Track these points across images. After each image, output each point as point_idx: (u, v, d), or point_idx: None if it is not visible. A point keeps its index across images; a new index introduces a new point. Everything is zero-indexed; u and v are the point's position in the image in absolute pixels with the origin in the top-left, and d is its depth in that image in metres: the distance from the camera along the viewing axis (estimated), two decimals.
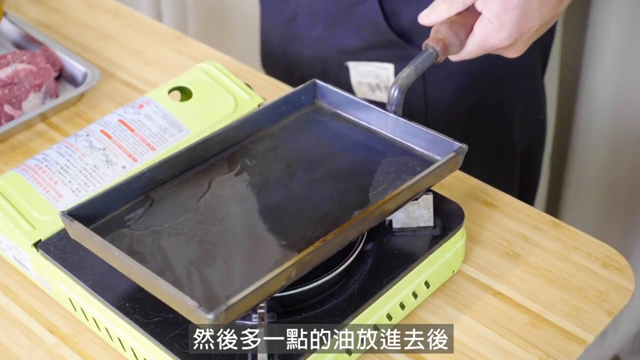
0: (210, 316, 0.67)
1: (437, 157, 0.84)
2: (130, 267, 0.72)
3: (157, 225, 0.80)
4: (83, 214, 0.78)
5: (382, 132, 0.89)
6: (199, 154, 0.86)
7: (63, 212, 0.77)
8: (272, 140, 0.89)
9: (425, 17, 0.86)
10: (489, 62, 1.09)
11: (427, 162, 0.84)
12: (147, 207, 0.82)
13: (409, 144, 0.87)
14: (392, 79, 1.14)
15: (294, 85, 1.06)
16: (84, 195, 0.85)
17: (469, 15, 0.85)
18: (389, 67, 1.14)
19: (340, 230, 0.74)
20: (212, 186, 0.84)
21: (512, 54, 0.87)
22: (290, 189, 0.84)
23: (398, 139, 0.88)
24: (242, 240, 0.79)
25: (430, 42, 0.85)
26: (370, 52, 1.14)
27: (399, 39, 1.11)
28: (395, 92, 0.85)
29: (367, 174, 0.85)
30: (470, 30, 0.85)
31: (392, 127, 0.88)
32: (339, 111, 0.92)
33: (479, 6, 0.84)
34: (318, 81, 0.93)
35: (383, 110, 0.88)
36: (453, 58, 0.87)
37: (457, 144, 0.82)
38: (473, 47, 0.85)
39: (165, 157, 0.84)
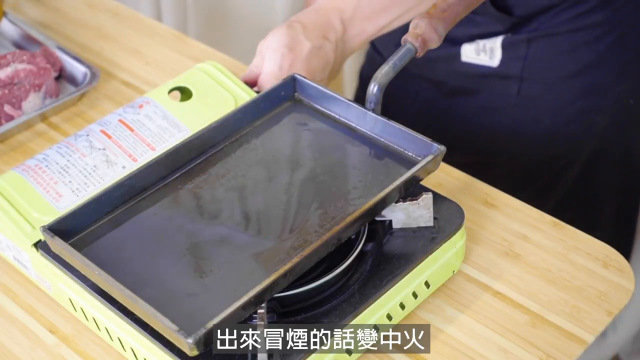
0: (190, 340, 0.67)
1: (416, 157, 0.85)
2: (111, 287, 0.73)
3: (139, 235, 0.80)
4: (64, 228, 0.78)
5: (362, 129, 0.88)
6: (180, 158, 0.86)
7: (43, 227, 0.77)
8: (252, 140, 0.89)
9: None
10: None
11: (406, 161, 0.84)
12: (128, 217, 0.82)
13: (388, 142, 0.87)
14: (498, 43, 1.14)
15: None
16: (84, 196, 0.85)
17: (448, 9, 0.84)
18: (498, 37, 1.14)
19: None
20: (193, 190, 0.84)
21: None
22: (270, 192, 0.84)
23: (377, 137, 0.87)
24: (225, 249, 0.79)
25: (408, 38, 0.85)
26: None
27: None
28: (374, 90, 0.85)
29: (346, 176, 0.85)
30: (450, 24, 0.84)
31: (371, 125, 0.88)
32: (318, 106, 0.91)
33: None
34: (297, 76, 0.92)
35: (362, 108, 0.87)
36: None
37: (435, 145, 0.82)
38: None
39: (144, 163, 0.84)
